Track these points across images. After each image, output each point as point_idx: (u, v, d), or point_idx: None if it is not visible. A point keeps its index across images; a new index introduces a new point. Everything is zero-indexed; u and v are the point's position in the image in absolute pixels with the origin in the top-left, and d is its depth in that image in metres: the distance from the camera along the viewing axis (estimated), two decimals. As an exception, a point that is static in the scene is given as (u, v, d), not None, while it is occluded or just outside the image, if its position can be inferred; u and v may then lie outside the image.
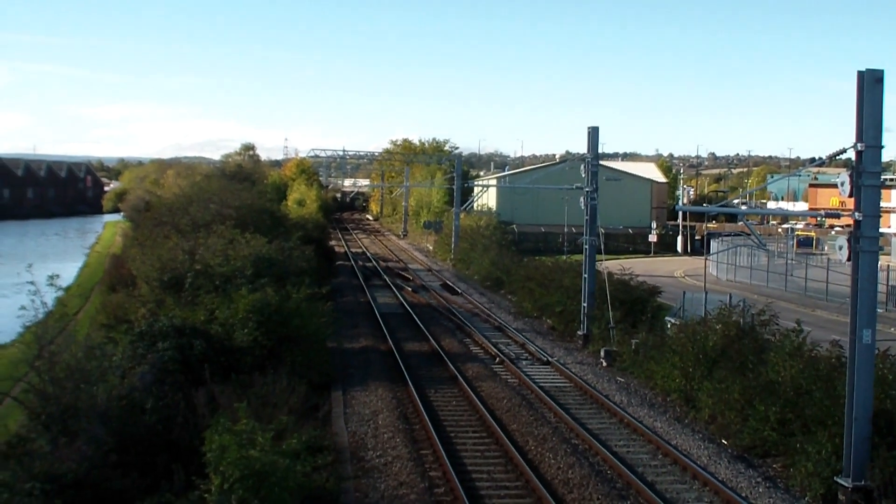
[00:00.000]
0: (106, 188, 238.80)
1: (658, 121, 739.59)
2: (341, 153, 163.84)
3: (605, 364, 42.17)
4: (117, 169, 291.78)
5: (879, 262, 26.13)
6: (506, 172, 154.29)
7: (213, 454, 20.50)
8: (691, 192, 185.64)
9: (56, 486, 20.19)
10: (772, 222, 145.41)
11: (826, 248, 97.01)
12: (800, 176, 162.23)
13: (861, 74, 23.51)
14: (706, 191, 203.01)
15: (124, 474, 21.93)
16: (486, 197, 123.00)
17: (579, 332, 47.57)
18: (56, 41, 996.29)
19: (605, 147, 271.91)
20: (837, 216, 29.98)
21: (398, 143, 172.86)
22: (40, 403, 24.90)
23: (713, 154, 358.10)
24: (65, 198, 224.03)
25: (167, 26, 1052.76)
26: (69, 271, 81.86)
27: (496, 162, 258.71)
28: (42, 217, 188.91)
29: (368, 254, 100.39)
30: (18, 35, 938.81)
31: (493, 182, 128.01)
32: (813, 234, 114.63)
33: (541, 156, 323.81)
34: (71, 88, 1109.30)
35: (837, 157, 26.35)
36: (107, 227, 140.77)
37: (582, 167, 47.10)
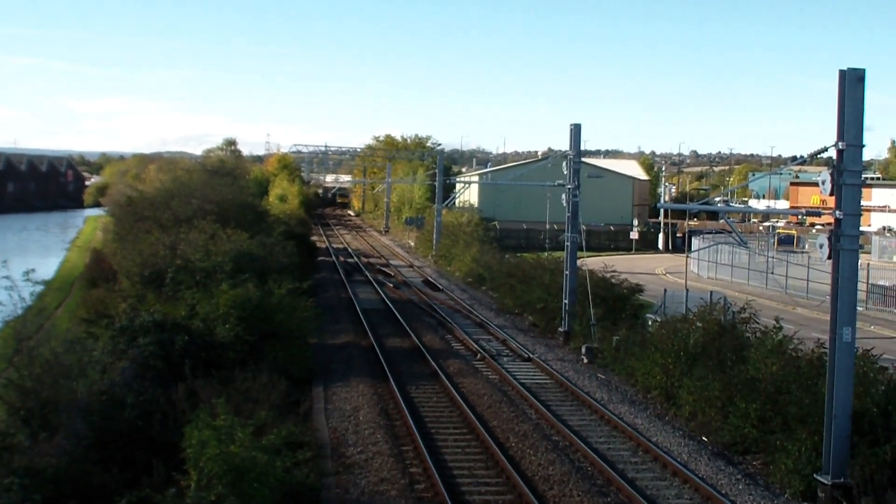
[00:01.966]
0: (87, 182, 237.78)
1: (641, 118, 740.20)
2: (323, 149, 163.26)
3: (586, 361, 42.22)
4: (99, 163, 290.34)
5: (860, 261, 26.21)
6: (488, 169, 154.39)
7: (193, 450, 20.45)
8: (673, 190, 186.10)
9: (35, 482, 20.10)
10: (753, 220, 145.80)
11: (807, 246, 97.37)
12: (781, 174, 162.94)
13: (843, 73, 23.58)
14: (688, 188, 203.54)
15: (104, 469, 21.86)
16: (469, 193, 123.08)
17: (560, 329, 47.61)
18: (39, 34, 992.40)
19: (587, 144, 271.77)
20: (818, 214, 30.11)
21: (380, 139, 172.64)
22: (19, 398, 24.78)
23: (695, 152, 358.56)
24: (46, 192, 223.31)
25: (150, 21, 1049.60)
26: (50, 266, 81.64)
27: (478, 158, 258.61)
28: (23, 211, 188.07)
29: (350, 250, 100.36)
30: (0, 28, 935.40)
31: (476, 179, 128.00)
32: (794, 232, 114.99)
33: (523, 152, 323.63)
34: (53, 82, 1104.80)
35: (819, 156, 26.45)
36: (88, 222, 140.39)
37: (564, 164, 47.18)
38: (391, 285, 68.95)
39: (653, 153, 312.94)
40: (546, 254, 78.79)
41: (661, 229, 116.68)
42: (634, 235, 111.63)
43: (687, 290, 50.14)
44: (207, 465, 19.78)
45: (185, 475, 20.24)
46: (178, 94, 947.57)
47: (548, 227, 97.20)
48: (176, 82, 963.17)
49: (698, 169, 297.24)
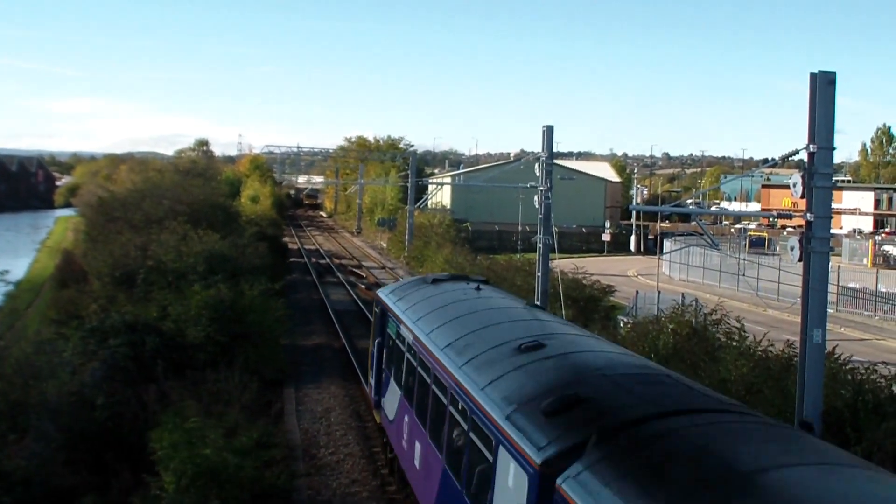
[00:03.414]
0: (58, 183, 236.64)
1: (612, 121, 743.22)
2: (296, 150, 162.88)
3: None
4: (70, 163, 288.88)
5: (830, 263, 26.35)
6: (460, 171, 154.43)
7: (164, 452, 20.38)
8: (645, 192, 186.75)
9: (4, 484, 20.01)
10: (725, 222, 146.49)
11: (778, 248, 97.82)
12: (752, 177, 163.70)
13: (814, 76, 23.69)
14: (660, 190, 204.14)
15: (74, 471, 21.78)
16: (441, 195, 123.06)
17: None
18: (8, 34, 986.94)
19: (559, 146, 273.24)
20: (789, 217, 30.13)
21: (353, 140, 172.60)
22: (-12, 400, 24.66)
23: (667, 154, 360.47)
24: (16, 192, 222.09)
25: (121, 21, 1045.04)
26: (20, 267, 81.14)
27: (451, 160, 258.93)
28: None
29: (322, 251, 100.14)
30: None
31: (448, 180, 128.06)
32: (765, 234, 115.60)
33: (495, 154, 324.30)
34: (23, 82, 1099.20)
35: (790, 159, 26.59)
36: (59, 223, 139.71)
37: (536, 166, 47.15)
38: (363, 286, 68.82)
39: (625, 155, 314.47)
40: (518, 255, 78.86)
41: (633, 231, 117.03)
42: (606, 237, 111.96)
43: (658, 292, 50.29)
44: (179, 467, 19.71)
45: (155, 478, 20.16)
46: (149, 95, 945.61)
47: (520, 228, 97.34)
48: (147, 83, 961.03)
49: (670, 171, 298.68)
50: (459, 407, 16.47)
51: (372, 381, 28.42)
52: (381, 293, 28.45)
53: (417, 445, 20.31)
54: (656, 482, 10.53)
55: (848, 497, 10.19)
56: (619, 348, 18.98)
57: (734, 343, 32.83)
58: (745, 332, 33.27)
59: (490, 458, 14.14)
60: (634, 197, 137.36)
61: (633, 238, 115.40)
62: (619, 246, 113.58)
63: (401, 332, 23.72)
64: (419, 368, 20.82)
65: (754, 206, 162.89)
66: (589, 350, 17.01)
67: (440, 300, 23.77)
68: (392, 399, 24.53)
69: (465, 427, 15.83)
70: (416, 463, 20.24)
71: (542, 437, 12.61)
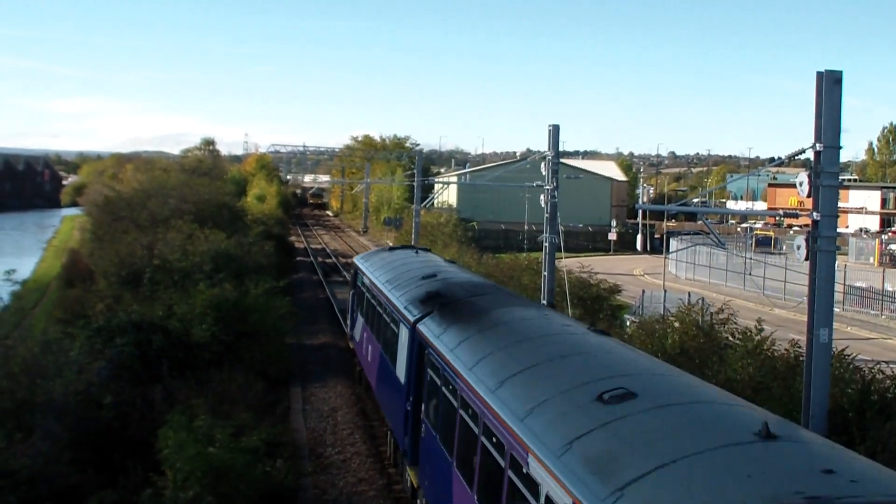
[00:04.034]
0: (64, 182, 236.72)
1: (618, 119, 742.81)
2: (302, 149, 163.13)
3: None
4: (75, 163, 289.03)
5: (837, 262, 26.30)
6: (466, 170, 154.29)
7: (170, 450, 20.38)
8: (651, 191, 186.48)
9: (10, 482, 20.00)
10: (731, 221, 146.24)
11: (784, 247, 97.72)
12: (759, 176, 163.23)
13: (820, 75, 23.64)
14: (666, 189, 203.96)
15: (80, 470, 21.77)
16: (447, 194, 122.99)
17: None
18: (13, 33, 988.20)
19: (565, 145, 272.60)
20: (796, 216, 30.14)
21: (359, 139, 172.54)
22: (-5, 399, 24.66)
23: (673, 153, 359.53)
24: (22, 191, 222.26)
25: (126, 20, 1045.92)
26: (27, 266, 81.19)
27: (457, 159, 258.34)
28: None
29: (328, 250, 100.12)
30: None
31: (454, 179, 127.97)
32: (771, 233, 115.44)
33: (501, 153, 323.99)
34: (28, 81, 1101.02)
35: (796, 158, 26.54)
36: (65, 222, 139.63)
37: (542, 165, 47.11)
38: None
39: (631, 154, 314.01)
40: (524, 254, 78.83)
41: (639, 230, 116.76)
42: (612, 236, 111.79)
43: (665, 291, 50.22)
44: (185, 466, 19.71)
45: (162, 476, 20.16)
46: (154, 94, 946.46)
47: (526, 227, 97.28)
48: (152, 82, 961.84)
49: (676, 170, 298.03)
50: (388, 312, 27.39)
51: (348, 320, 39.99)
52: (356, 259, 39.91)
53: (369, 347, 31.15)
54: (450, 316, 21.63)
55: (534, 318, 20.77)
56: (477, 277, 31.67)
57: (739, 342, 32.80)
58: (762, 328, 33.20)
59: (395, 331, 25.61)
60: (640, 196, 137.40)
61: (639, 237, 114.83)
62: (625, 245, 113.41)
63: (364, 281, 34.33)
64: (372, 300, 31.41)
65: (760, 206, 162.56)
66: (455, 276, 28.82)
67: (390, 259, 34.82)
68: (358, 326, 35.31)
69: (390, 322, 26.84)
70: (369, 358, 31.20)
71: (416, 311, 23.75)
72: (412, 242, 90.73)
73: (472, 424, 16.23)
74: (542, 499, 12.13)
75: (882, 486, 9.97)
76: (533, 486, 12.58)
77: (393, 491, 24.70)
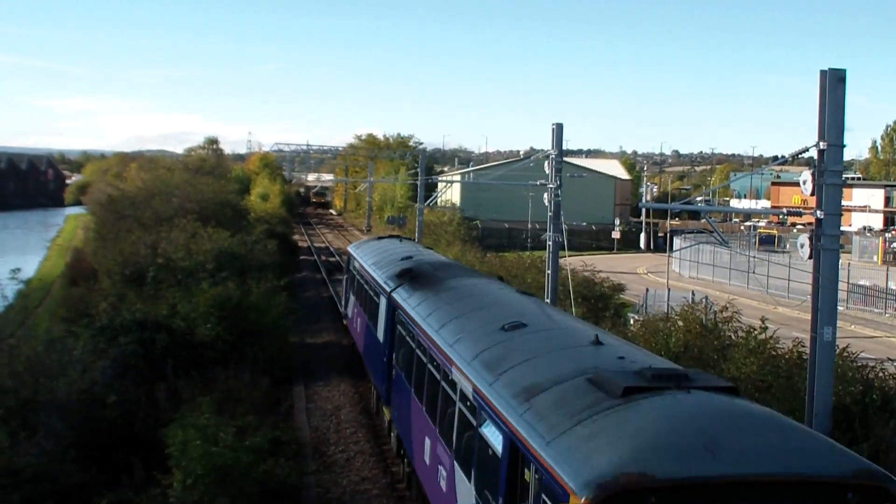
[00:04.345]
0: (68, 181, 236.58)
1: (622, 118, 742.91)
2: (305, 148, 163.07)
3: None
4: (79, 161, 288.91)
5: (840, 261, 26.29)
6: (470, 168, 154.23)
7: (176, 449, 20.40)
8: (655, 190, 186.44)
9: (14, 481, 20.01)
10: (734, 220, 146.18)
11: (788, 245, 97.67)
12: (762, 174, 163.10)
13: (824, 74, 23.63)
14: (670, 188, 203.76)
15: (84, 469, 21.77)
16: (450, 193, 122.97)
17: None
18: (17, 32, 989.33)
19: (569, 144, 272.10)
20: (799, 214, 30.07)
21: (362, 138, 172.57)
22: (-1, 397, 24.67)
23: (677, 152, 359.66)
24: (26, 190, 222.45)
25: (129, 18, 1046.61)
26: (30, 265, 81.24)
27: (460, 158, 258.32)
28: (2, 210, 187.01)
29: (332, 249, 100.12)
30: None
31: (458, 178, 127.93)
32: (775, 231, 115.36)
33: (505, 152, 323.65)
34: (32, 80, 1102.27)
35: (800, 156, 26.52)
36: (69, 221, 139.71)
37: (546, 164, 47.10)
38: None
39: (634, 153, 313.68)
40: (528, 253, 78.80)
41: (643, 229, 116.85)
42: (616, 235, 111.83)
43: (669, 290, 50.24)
44: (191, 464, 19.74)
45: (167, 475, 20.18)
46: (158, 93, 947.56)
47: (530, 226, 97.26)
48: (155, 81, 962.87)
49: (680, 169, 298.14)
50: (372, 287, 32.73)
51: (343, 300, 45.95)
52: (349, 247, 46.38)
53: (359, 320, 35.97)
54: (416, 286, 26.50)
55: (477, 285, 25.89)
56: (443, 258, 38.59)
57: (741, 340, 32.80)
58: (766, 327, 33.19)
59: (377, 301, 30.62)
60: (644, 194, 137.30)
61: (642, 236, 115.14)
62: (628, 243, 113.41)
63: (355, 265, 39.54)
64: (361, 280, 36.60)
65: (764, 204, 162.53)
66: (426, 258, 34.45)
67: (378, 246, 40.37)
68: (350, 304, 40.40)
69: (373, 295, 32.00)
70: (358, 329, 36.16)
71: (392, 284, 28.63)
72: (415, 240, 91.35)
73: (423, 358, 21.96)
74: (458, 393, 17.86)
75: (642, 363, 15.34)
76: (454, 386, 18.27)
77: (396, 490, 24.72)
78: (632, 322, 43.46)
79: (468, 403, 16.93)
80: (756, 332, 33.07)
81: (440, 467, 18.85)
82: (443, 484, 18.48)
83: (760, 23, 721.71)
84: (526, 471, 13.19)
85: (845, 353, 28.68)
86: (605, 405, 12.87)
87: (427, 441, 20.49)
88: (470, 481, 16.25)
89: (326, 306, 57.06)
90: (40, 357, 25.78)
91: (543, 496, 12.20)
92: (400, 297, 26.76)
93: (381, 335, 29.02)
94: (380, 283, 30.69)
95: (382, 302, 29.36)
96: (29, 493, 19.93)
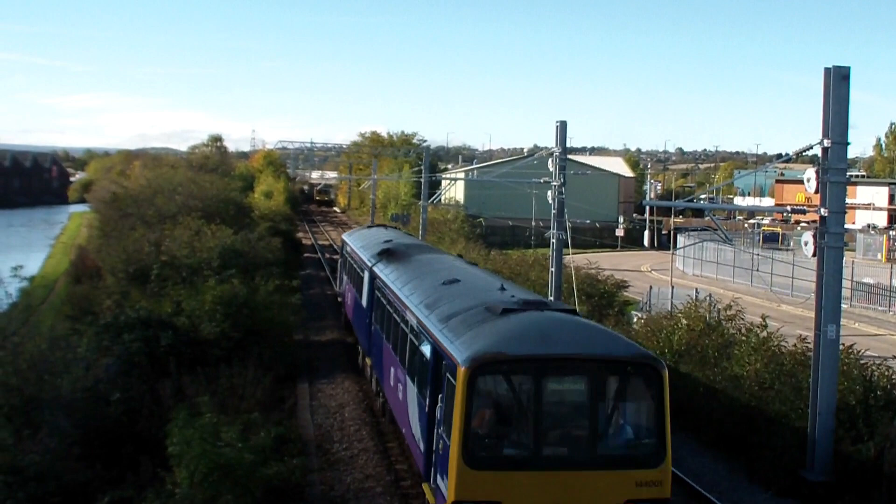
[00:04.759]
0: (72, 178, 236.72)
1: (626, 116, 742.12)
2: (309, 145, 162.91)
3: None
4: (83, 159, 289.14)
5: (844, 258, 26.28)
6: (474, 166, 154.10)
7: (176, 448, 20.41)
8: (658, 187, 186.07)
9: (18, 479, 20.06)
10: (738, 218, 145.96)
11: (792, 243, 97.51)
12: (766, 172, 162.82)
13: (828, 71, 23.64)
14: (673, 186, 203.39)
15: (88, 466, 21.83)
16: (454, 190, 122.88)
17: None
18: (20, 29, 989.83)
19: (573, 141, 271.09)
20: (803, 212, 30.13)
21: (366, 135, 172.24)
22: (3, 395, 24.71)
23: (680, 149, 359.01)
24: (30, 188, 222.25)
25: (133, 16, 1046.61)
26: (35, 262, 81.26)
27: (464, 155, 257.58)
28: (6, 207, 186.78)
29: (335, 246, 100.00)
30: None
31: (461, 175, 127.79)
32: (779, 229, 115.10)
33: (509, 149, 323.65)
34: (36, 77, 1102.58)
35: (804, 154, 26.57)
36: (73, 218, 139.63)
37: (550, 161, 47.08)
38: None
39: (638, 150, 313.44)
40: (532, 250, 78.75)
41: (647, 226, 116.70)
42: (620, 232, 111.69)
43: (672, 287, 50.20)
44: (192, 463, 19.74)
45: (170, 472, 20.20)
46: (162, 91, 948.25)
47: (534, 223, 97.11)
48: (158, 78, 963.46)
49: (684, 166, 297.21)
50: (358, 265, 39.10)
51: (337, 281, 54.17)
52: (343, 235, 53.69)
53: (349, 294, 42.61)
54: (391, 260, 33.36)
55: (437, 258, 34.38)
56: (416, 240, 47.06)
57: (744, 338, 32.80)
58: (766, 324, 33.19)
59: (363, 276, 36.45)
60: (648, 192, 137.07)
61: (646, 233, 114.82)
62: (632, 241, 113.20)
63: (347, 250, 46.33)
64: (351, 260, 43.09)
65: (768, 202, 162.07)
66: (403, 240, 40.75)
67: (366, 233, 47.61)
68: (343, 283, 46.90)
69: (360, 271, 38.21)
70: (349, 301, 42.73)
71: (374, 260, 34.93)
72: (419, 238, 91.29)
73: (391, 310, 28.59)
74: (409, 327, 24.61)
75: (522, 297, 22.37)
76: (407, 324, 25.08)
77: (401, 487, 24.72)
78: (635, 320, 43.46)
79: (414, 332, 23.84)
80: (757, 330, 33.10)
81: (399, 384, 25.60)
82: (399, 394, 25.36)
83: (765, 19, 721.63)
84: (441, 364, 19.86)
85: (849, 351, 28.67)
86: (489, 319, 19.99)
87: (392, 369, 27.29)
88: (414, 384, 22.97)
89: (330, 304, 56.99)
90: (44, 355, 25.82)
91: (447, 375, 18.97)
92: (378, 269, 33.48)
93: (364, 301, 35.69)
94: (364, 260, 37.42)
95: (366, 275, 35.72)
96: (34, 490, 19.99)
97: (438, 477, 19.13)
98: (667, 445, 18.29)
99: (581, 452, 18.33)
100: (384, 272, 31.97)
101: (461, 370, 17.85)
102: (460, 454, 17.70)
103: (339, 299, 49.69)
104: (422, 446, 21.28)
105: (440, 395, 19.51)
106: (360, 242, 42.86)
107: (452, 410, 18.04)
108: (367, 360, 34.10)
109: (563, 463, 18.22)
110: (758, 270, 74.03)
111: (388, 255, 34.58)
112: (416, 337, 23.44)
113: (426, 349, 21.73)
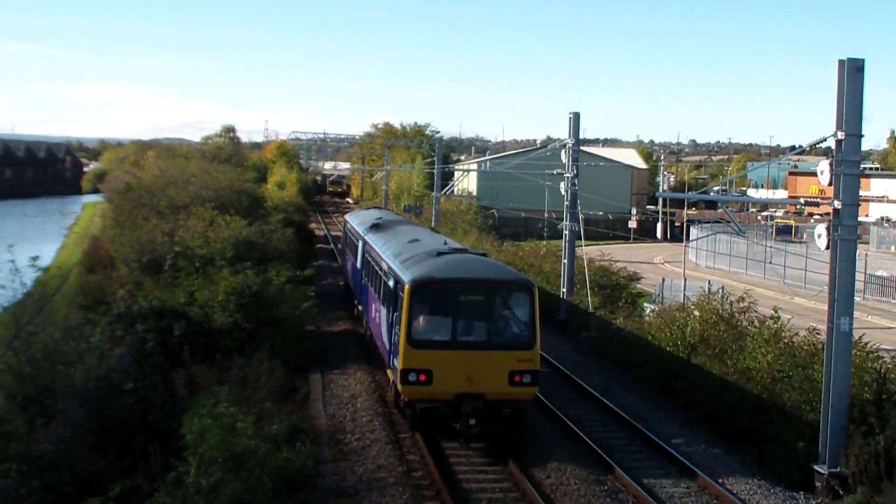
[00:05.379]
0: (85, 169, 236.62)
1: (639, 107, 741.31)
2: (322, 136, 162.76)
3: (584, 349, 42.18)
4: (97, 150, 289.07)
5: (858, 251, 26.23)
6: (487, 157, 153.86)
7: (192, 437, 20.44)
8: (671, 179, 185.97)
9: (32, 468, 20.10)
10: (751, 210, 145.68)
11: (805, 235, 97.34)
12: (780, 164, 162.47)
13: (842, 63, 23.57)
14: (686, 178, 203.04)
15: (101, 456, 21.87)
16: (467, 181, 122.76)
17: (558, 318, 47.50)
18: (35, 20, 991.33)
19: (586, 133, 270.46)
20: (817, 204, 30.12)
21: (379, 126, 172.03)
22: (17, 384, 24.76)
23: (694, 141, 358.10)
24: (44, 178, 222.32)
25: (146, 7, 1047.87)
26: (48, 252, 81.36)
27: (477, 146, 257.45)
28: (20, 197, 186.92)
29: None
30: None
31: (474, 167, 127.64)
32: (792, 221, 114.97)
33: (522, 141, 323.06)
34: (50, 68, 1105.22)
35: (818, 146, 26.51)
36: (86, 208, 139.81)
37: (563, 153, 47.15)
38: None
39: (651, 142, 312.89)
40: (544, 242, 78.74)
41: (660, 218, 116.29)
42: (633, 224, 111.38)
43: (685, 279, 50.17)
44: (208, 452, 19.76)
45: (183, 462, 20.23)
46: (175, 81, 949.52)
47: (546, 215, 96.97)
48: (171, 69, 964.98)
49: (697, 158, 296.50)
50: (355, 237, 47.40)
51: (339, 253, 66.78)
52: (346, 216, 64.90)
53: (348, 262, 51.80)
54: (378, 230, 42.08)
55: (412, 228, 44.70)
56: (399, 217, 57.27)
57: (756, 330, 32.77)
58: (778, 316, 33.16)
59: (357, 244, 45.44)
60: (661, 184, 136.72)
61: (659, 225, 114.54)
62: (645, 233, 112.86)
63: (347, 227, 55.27)
64: (350, 235, 51.43)
65: (781, 194, 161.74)
66: (390, 217, 50.27)
67: (364, 214, 57.34)
68: (345, 254, 55.99)
69: (356, 241, 46.23)
70: (348, 267, 51.68)
71: (365, 231, 43.70)
72: (432, 228, 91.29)
73: (374, 265, 35.92)
74: (383, 272, 32.20)
75: (454, 246, 32.93)
76: (382, 269, 32.76)
77: (412, 478, 24.76)
78: (647, 312, 43.45)
79: (385, 273, 31.86)
80: (769, 322, 33.07)
81: (377, 313, 33.45)
82: (377, 319, 33.38)
83: (779, 11, 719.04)
84: (397, 287, 28.33)
85: (862, 344, 28.64)
86: (429, 258, 29.27)
87: (373, 304, 35.21)
88: (385, 309, 30.62)
89: (343, 294, 56.92)
90: (58, 344, 25.86)
91: (400, 293, 27.69)
92: (368, 237, 41.25)
93: (358, 264, 43.94)
94: (359, 231, 45.83)
95: (360, 243, 43.86)
96: (47, 479, 20.03)
97: (394, 359, 27.68)
98: (536, 336, 27.17)
99: (482, 339, 27.33)
100: (372, 239, 40.03)
101: (406, 287, 27.19)
102: (406, 339, 26.73)
103: (342, 272, 60.50)
104: (388, 346, 29.52)
105: (397, 307, 27.79)
106: (357, 220, 52.50)
107: (401, 313, 27.08)
108: (359, 307, 43.19)
109: (470, 345, 27.13)
110: (771, 263, 73.99)
111: (377, 227, 43.31)
112: (386, 276, 31.71)
113: (391, 282, 29.93)
